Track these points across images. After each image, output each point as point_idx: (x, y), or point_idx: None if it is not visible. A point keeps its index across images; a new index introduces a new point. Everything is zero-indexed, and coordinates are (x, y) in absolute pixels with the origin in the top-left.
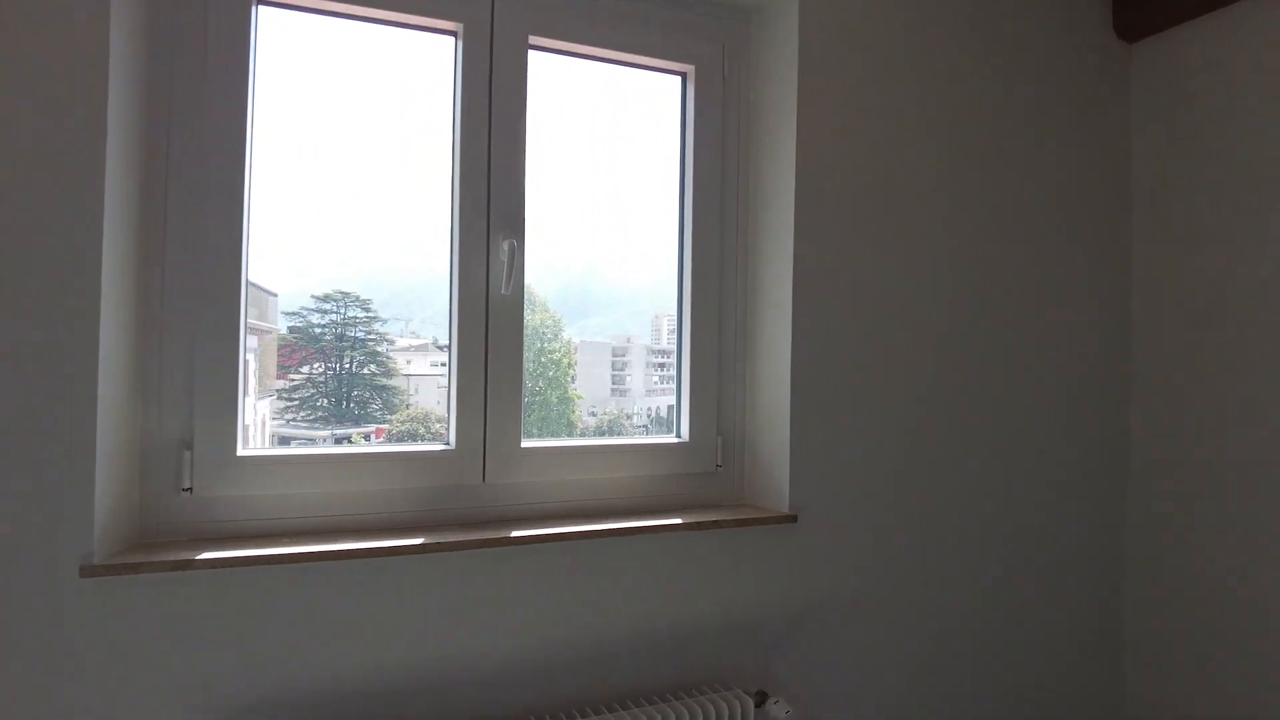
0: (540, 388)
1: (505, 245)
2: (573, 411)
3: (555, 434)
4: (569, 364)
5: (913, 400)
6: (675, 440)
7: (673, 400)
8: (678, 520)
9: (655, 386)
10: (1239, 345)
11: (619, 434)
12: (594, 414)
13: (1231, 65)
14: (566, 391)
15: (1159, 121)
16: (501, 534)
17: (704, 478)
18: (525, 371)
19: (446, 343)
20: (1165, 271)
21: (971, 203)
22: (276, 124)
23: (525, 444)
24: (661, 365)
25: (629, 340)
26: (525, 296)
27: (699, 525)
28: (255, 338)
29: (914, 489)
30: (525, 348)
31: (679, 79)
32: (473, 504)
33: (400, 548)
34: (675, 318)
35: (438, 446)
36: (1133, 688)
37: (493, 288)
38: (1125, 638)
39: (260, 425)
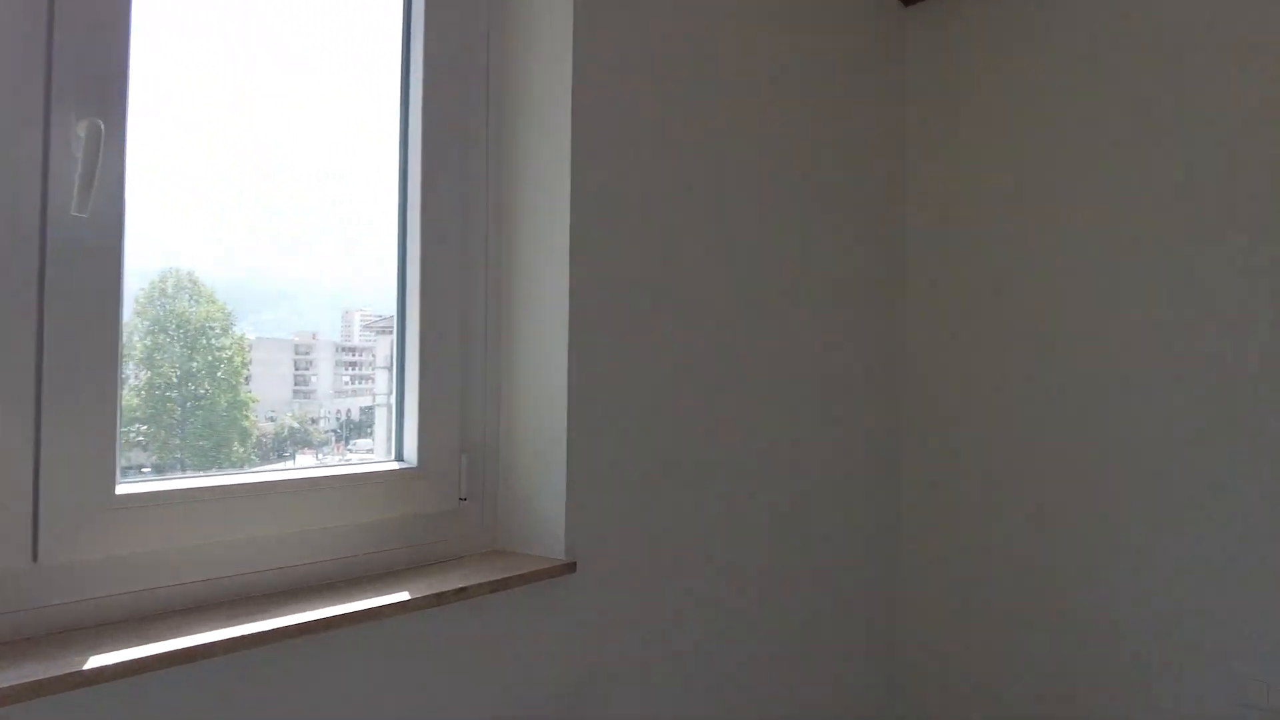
0: (207, 391)
1: (81, 128)
2: (246, 417)
3: (225, 443)
4: (242, 363)
5: (704, 405)
6: (398, 466)
7: (366, 402)
8: (404, 595)
9: (345, 387)
10: (1009, 332)
11: (307, 444)
12: (272, 418)
13: (1006, 36)
14: (239, 395)
15: (934, 93)
16: (61, 667)
17: (442, 519)
18: (161, 369)
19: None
20: (937, 260)
21: (754, 180)
22: None
23: (125, 488)
24: (353, 364)
25: (314, 337)
26: (189, 285)
27: (439, 598)
28: None
29: (707, 514)
30: (186, 343)
31: None
32: (10, 608)
33: None
34: (377, 306)
35: None
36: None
37: (54, 209)
38: (902, 683)
39: None
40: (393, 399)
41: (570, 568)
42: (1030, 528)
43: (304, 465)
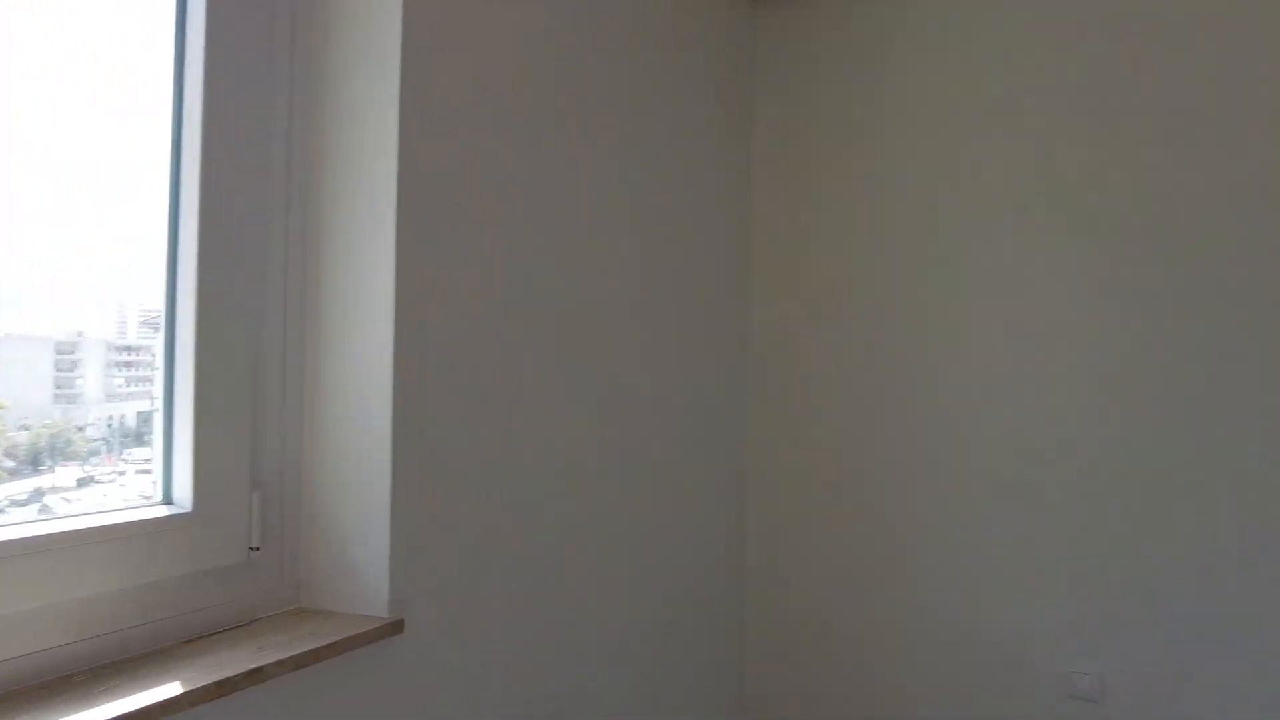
0: None
1: None
2: None
3: None
4: None
5: (548, 422)
6: (165, 511)
7: (144, 405)
8: (174, 688)
9: (119, 390)
10: (851, 335)
11: (71, 455)
12: (26, 427)
13: (854, 35)
14: None
15: (782, 90)
16: None
17: (227, 576)
18: None
19: None
20: (783, 261)
21: (598, 179)
22: None
23: None
24: (129, 364)
25: (80, 334)
26: None
27: (223, 686)
28: None
29: (554, 548)
30: None
31: None
32: None
33: None
34: (156, 299)
35: None
36: None
37: None
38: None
39: None
40: (160, 422)
41: (396, 627)
42: (865, 532)
43: (37, 519)
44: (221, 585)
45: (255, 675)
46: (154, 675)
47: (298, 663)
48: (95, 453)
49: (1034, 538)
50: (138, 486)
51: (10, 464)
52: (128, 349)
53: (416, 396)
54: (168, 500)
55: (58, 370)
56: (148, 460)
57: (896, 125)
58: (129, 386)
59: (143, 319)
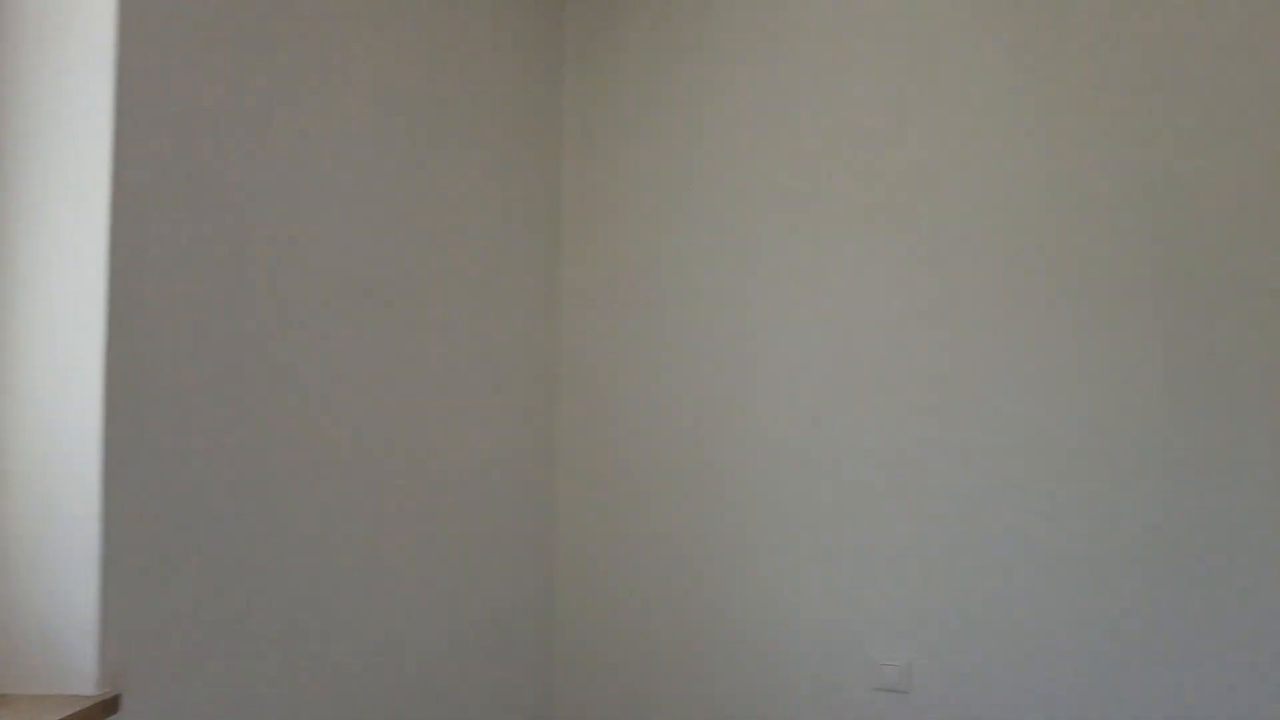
0: None
1: None
2: None
3: None
4: None
5: (308, 431)
6: None
7: None
8: None
9: None
10: (659, 343)
11: None
12: None
13: (662, 35)
14: None
15: (590, 77)
16: None
17: None
18: None
19: None
20: (590, 259)
21: (388, 157)
22: None
23: None
24: None
25: None
26: None
27: None
28: None
29: (330, 588)
30: None
31: None
32: None
33: None
34: None
35: None
36: None
37: None
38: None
39: None
40: None
41: (110, 707)
42: (674, 535)
43: None
44: None
45: None
46: None
47: None
48: None
49: (840, 531)
50: None
51: None
52: None
53: (134, 406)
54: None
55: None
56: None
57: (709, 123)
58: None
59: None
